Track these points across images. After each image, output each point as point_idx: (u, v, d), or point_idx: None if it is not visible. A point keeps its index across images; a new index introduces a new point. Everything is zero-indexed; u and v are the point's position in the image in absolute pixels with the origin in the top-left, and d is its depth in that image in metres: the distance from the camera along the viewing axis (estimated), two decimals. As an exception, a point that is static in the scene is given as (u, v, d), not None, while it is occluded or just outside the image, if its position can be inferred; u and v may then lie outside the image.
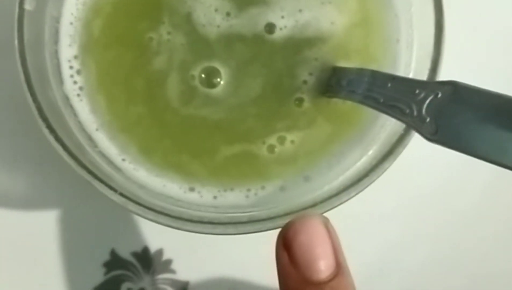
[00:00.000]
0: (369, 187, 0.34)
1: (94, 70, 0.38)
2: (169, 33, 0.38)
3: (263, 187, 0.38)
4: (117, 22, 0.38)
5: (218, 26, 0.38)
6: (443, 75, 0.35)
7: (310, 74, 0.38)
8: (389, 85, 0.33)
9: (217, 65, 0.38)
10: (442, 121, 0.29)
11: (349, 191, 0.34)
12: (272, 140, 0.38)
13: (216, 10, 0.38)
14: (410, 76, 0.38)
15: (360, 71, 0.36)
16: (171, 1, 0.38)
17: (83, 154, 0.35)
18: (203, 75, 0.38)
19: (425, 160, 0.44)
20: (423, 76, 0.35)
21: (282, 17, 0.39)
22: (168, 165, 0.38)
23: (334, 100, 0.38)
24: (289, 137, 0.38)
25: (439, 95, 0.30)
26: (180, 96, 0.38)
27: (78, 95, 0.38)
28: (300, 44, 0.39)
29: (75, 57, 0.38)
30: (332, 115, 0.38)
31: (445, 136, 0.29)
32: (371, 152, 0.37)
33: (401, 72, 0.38)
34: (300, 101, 0.39)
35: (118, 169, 0.38)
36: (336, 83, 0.37)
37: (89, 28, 0.38)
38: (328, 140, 0.38)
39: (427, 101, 0.31)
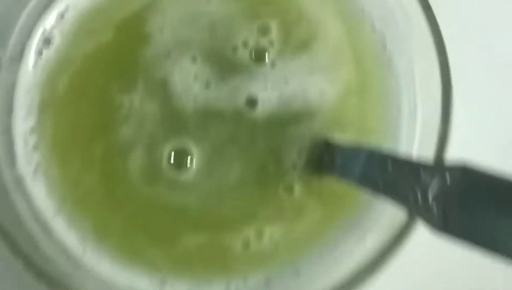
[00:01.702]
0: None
1: (52, 138, 0.37)
2: (141, 100, 0.37)
3: (244, 280, 0.36)
4: (85, 80, 0.38)
5: (195, 98, 0.38)
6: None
7: (299, 154, 0.37)
8: (390, 166, 0.32)
9: (189, 144, 0.37)
10: (452, 211, 0.27)
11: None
12: (250, 231, 0.36)
13: (195, 77, 0.38)
14: (414, 150, 0.36)
15: (356, 149, 0.35)
16: (148, 63, 0.38)
17: (36, 249, 0.34)
18: (172, 155, 0.37)
19: (430, 244, 0.41)
20: (429, 151, 0.34)
21: (266, 89, 0.38)
22: (132, 255, 0.36)
23: (327, 179, 0.37)
24: (270, 229, 0.36)
25: (448, 181, 0.28)
26: (143, 175, 0.37)
27: (34, 173, 0.37)
28: (285, 120, 0.38)
29: (32, 130, 0.37)
30: (325, 198, 0.37)
31: (455, 228, 0.27)
32: (369, 241, 0.35)
33: (403, 145, 0.37)
34: (290, 188, 0.37)
35: (77, 264, 0.36)
36: (329, 160, 0.37)
37: (52, 87, 0.38)
38: (319, 226, 0.37)
39: (434, 187, 0.29)
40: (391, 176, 0.31)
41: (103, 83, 0.38)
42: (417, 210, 0.29)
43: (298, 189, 0.37)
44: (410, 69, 0.37)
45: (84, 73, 0.38)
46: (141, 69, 0.38)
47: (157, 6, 0.39)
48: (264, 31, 0.38)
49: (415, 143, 0.36)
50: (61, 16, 0.39)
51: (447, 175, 0.28)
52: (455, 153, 0.32)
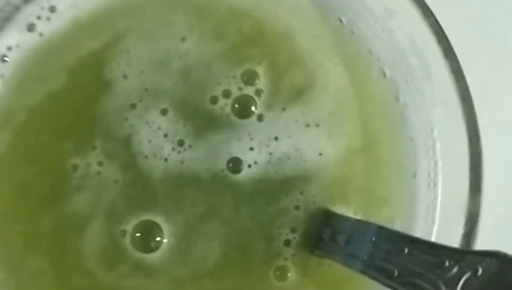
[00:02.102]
0: None
1: None
2: (100, 163, 0.35)
3: None
4: (32, 136, 0.36)
5: (166, 160, 0.36)
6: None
7: (293, 230, 0.36)
8: (406, 251, 0.30)
9: (158, 219, 0.35)
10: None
11: None
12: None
13: (165, 135, 0.36)
14: (434, 229, 0.34)
15: (363, 225, 0.33)
16: (109, 116, 0.36)
17: None
18: (137, 233, 0.35)
19: None
20: (454, 231, 0.32)
21: (252, 148, 0.36)
22: None
23: (328, 260, 0.35)
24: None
25: (480, 272, 0.27)
26: (101, 256, 0.35)
27: None
28: (276, 188, 0.36)
29: None
30: (324, 284, 0.36)
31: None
32: None
33: (420, 222, 0.35)
34: (283, 271, 0.35)
35: None
36: (330, 237, 0.35)
37: None
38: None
39: (462, 280, 0.27)
40: (407, 262, 0.30)
41: (52, 141, 0.36)
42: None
43: (292, 273, 0.35)
44: (429, 126, 0.35)
45: (30, 129, 0.36)
46: (99, 124, 0.36)
47: (120, 45, 0.36)
48: (249, 77, 0.36)
49: (436, 220, 0.34)
50: (2, 58, 0.36)
51: (478, 264, 0.27)
52: (488, 236, 0.30)
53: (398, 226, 0.35)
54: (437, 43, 0.32)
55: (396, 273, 0.30)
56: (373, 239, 0.32)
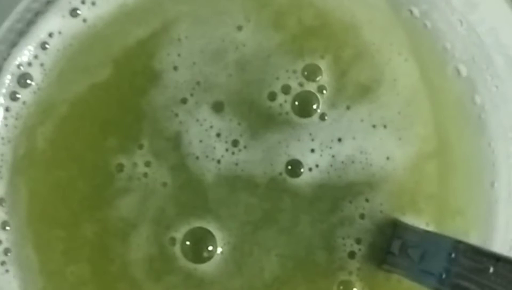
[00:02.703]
0: None
1: (28, 212, 0.34)
2: (147, 163, 0.34)
3: None
4: (74, 132, 0.34)
5: (219, 161, 0.34)
6: None
7: (358, 241, 0.34)
8: (491, 270, 0.28)
9: (211, 226, 0.33)
10: None
11: None
12: None
13: (218, 134, 0.34)
14: None
15: (440, 239, 0.31)
16: (157, 111, 0.34)
17: None
18: (188, 242, 0.33)
19: None
20: None
21: (313, 150, 0.34)
22: None
23: (397, 276, 0.33)
24: None
25: None
26: (148, 265, 0.33)
27: (2, 261, 0.33)
28: (339, 194, 0.34)
29: (0, 201, 0.34)
30: None
31: None
32: None
33: (498, 236, 0.34)
34: (347, 286, 0.33)
35: None
36: (400, 250, 0.33)
37: (29, 142, 0.34)
38: None
39: None
40: (492, 282, 0.28)
41: (96, 138, 0.34)
42: None
43: (357, 288, 0.33)
44: (510, 130, 0.34)
45: (72, 123, 0.34)
46: (147, 120, 0.34)
47: (170, 33, 0.34)
48: (311, 72, 0.34)
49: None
50: (43, 46, 0.34)
51: None
52: None
53: (473, 239, 0.33)
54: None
55: (477, 292, 0.28)
56: (452, 255, 0.29)
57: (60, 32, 0.34)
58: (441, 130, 0.35)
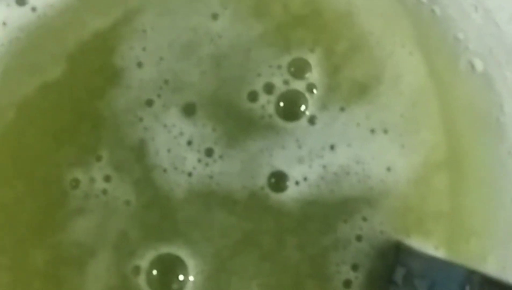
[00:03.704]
0: None
1: None
2: (106, 178, 0.31)
3: None
4: (21, 141, 0.32)
5: (190, 174, 0.31)
6: None
7: (355, 268, 0.30)
8: None
9: (181, 252, 0.30)
10: None
11: None
12: None
13: (189, 142, 0.31)
14: None
15: (451, 269, 0.28)
16: (118, 116, 0.31)
17: None
18: (155, 271, 0.30)
19: None
20: None
21: (300, 160, 0.31)
22: None
23: None
24: None
25: None
26: None
27: None
28: (331, 212, 0.31)
29: None
30: None
31: None
32: None
33: None
34: None
35: None
36: (404, 280, 0.30)
37: None
38: None
39: None
40: None
41: (47, 148, 0.31)
42: None
43: None
44: None
45: (19, 131, 0.31)
46: (106, 127, 0.31)
47: (133, 23, 0.31)
48: (298, 68, 0.31)
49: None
50: None
51: None
52: None
53: (491, 267, 0.30)
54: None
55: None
56: (466, 288, 0.26)
57: (4, 23, 0.31)
58: (451, 136, 0.32)
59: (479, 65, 0.32)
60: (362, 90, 0.31)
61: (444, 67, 0.32)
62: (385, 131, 0.30)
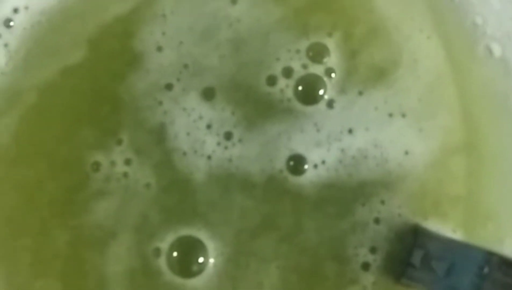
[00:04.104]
0: None
1: None
2: (127, 161, 0.30)
3: None
4: (42, 124, 0.31)
5: (209, 158, 0.31)
6: None
7: (373, 250, 0.30)
8: None
9: (201, 234, 0.30)
10: None
11: None
12: None
13: (208, 126, 0.30)
14: None
15: (470, 251, 0.28)
16: (138, 99, 0.31)
17: None
18: (175, 253, 0.30)
19: None
20: None
21: (318, 143, 0.31)
22: None
23: None
24: None
25: None
26: (129, 281, 0.30)
27: None
28: (349, 195, 0.31)
29: None
30: None
31: None
32: None
33: None
34: None
35: None
36: (422, 262, 0.29)
37: None
38: None
39: None
40: None
41: (68, 131, 0.31)
42: None
43: None
44: None
45: (40, 114, 0.31)
46: (126, 110, 0.31)
47: (153, 8, 0.32)
48: (317, 52, 0.31)
49: None
50: (6, 23, 0.31)
51: None
52: None
53: (509, 248, 0.29)
54: None
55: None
56: (484, 269, 0.27)
57: (26, 8, 0.31)
58: (469, 120, 0.32)
59: (497, 50, 0.31)
60: (380, 75, 0.31)
61: (462, 52, 0.31)
62: (403, 115, 0.30)
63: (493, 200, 0.31)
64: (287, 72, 0.30)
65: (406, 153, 0.30)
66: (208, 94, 0.30)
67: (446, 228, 0.30)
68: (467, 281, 0.27)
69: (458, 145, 0.31)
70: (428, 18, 0.31)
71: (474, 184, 0.31)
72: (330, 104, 0.30)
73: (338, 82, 0.30)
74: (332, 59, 0.30)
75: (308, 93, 0.31)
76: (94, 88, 0.31)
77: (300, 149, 0.30)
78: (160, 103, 0.30)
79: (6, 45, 0.31)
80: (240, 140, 0.30)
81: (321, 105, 0.30)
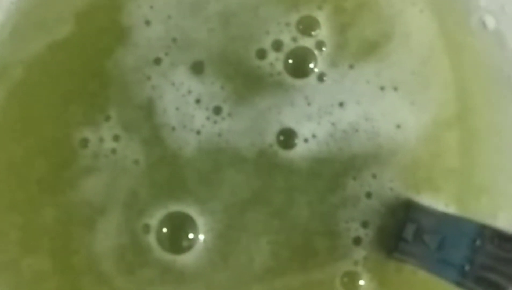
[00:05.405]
0: None
1: None
2: (115, 137, 0.30)
3: None
4: (29, 99, 0.31)
5: (198, 132, 0.30)
6: None
7: (365, 225, 0.30)
8: None
9: (191, 210, 0.30)
10: None
11: None
12: None
13: (197, 101, 0.30)
14: None
15: (462, 224, 0.28)
16: (126, 74, 0.31)
17: None
18: (165, 229, 0.30)
19: None
20: None
21: (309, 117, 0.30)
22: None
23: (410, 267, 0.30)
24: None
25: None
26: (118, 257, 0.30)
27: None
28: (340, 169, 0.30)
29: None
30: None
31: None
32: None
33: None
34: (352, 278, 0.30)
35: None
36: (414, 237, 0.29)
37: None
38: None
39: None
40: None
41: (56, 107, 0.31)
42: None
43: (365, 280, 0.30)
44: None
45: (27, 89, 0.31)
46: (114, 86, 0.30)
47: None
48: (307, 25, 0.30)
49: None
50: None
51: None
52: None
53: (502, 223, 0.29)
54: None
55: (505, 283, 0.25)
56: (477, 242, 0.26)
57: None
58: (462, 93, 0.31)
59: (490, 22, 0.31)
60: (371, 48, 0.31)
61: (455, 25, 0.31)
62: (395, 89, 0.30)
63: (486, 173, 0.30)
64: (277, 45, 0.30)
65: (398, 126, 0.30)
66: (197, 68, 0.30)
67: (439, 202, 0.30)
68: (460, 255, 0.27)
69: (451, 118, 0.30)
70: (420, -12, 0.31)
71: (467, 158, 0.30)
72: (321, 77, 0.30)
73: (329, 55, 0.30)
74: (323, 32, 0.30)
75: (298, 66, 0.30)
76: (82, 63, 0.31)
77: (291, 123, 0.30)
78: (149, 78, 0.29)
79: (-7, 22, 0.31)
80: (229, 115, 0.30)
81: (312, 79, 0.30)
